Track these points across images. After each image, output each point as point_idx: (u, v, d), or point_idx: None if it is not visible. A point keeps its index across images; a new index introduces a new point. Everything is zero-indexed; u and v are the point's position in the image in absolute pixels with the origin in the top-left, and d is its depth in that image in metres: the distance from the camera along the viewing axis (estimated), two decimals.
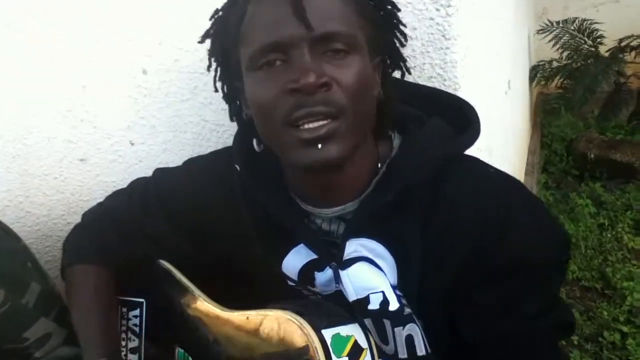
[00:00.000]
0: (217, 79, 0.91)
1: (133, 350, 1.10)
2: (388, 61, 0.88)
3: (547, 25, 3.33)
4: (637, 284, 2.52)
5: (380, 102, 0.85)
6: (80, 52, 1.29)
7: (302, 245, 0.91)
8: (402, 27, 0.87)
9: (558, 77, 3.29)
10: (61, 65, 1.31)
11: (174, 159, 1.33)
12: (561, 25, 3.28)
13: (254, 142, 0.92)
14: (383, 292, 0.85)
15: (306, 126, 0.75)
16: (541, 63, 3.43)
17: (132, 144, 1.35)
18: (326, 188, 0.87)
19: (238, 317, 0.91)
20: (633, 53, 3.14)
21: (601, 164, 3.73)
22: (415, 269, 0.85)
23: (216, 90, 0.92)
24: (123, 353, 1.10)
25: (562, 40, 3.28)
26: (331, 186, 0.86)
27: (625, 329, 2.31)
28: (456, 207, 0.83)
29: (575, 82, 3.08)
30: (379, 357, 0.84)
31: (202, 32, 0.91)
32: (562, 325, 0.87)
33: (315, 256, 0.90)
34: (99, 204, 1.16)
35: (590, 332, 2.34)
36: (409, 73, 0.89)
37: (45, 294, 1.15)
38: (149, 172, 1.19)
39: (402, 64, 0.88)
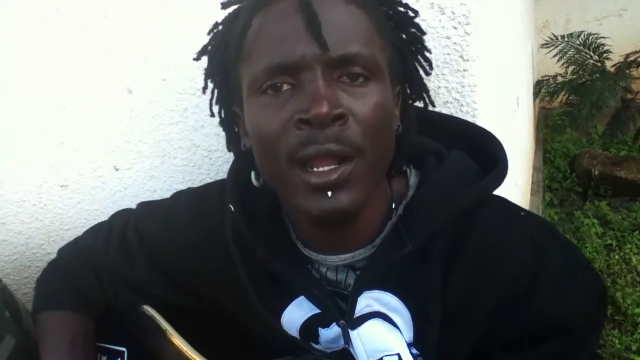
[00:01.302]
0: (213, 101, 0.79)
1: None
2: (408, 90, 0.76)
3: (551, 39, 3.24)
4: None
5: (398, 136, 0.73)
6: (60, 70, 1.18)
7: (296, 300, 0.79)
8: (427, 54, 0.75)
9: (563, 93, 3.19)
10: (40, 84, 1.20)
11: (162, 187, 1.22)
12: (566, 39, 3.18)
13: (252, 175, 0.80)
14: (399, 355, 0.74)
15: (315, 168, 0.63)
16: (545, 78, 3.33)
17: (117, 170, 1.24)
18: (333, 234, 0.75)
19: None
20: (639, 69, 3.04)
21: (605, 181, 3.64)
22: (434, 326, 0.74)
23: (212, 115, 0.81)
24: None
25: (567, 55, 3.18)
26: (339, 232, 0.75)
27: (638, 359, 2.20)
28: (483, 257, 0.72)
29: (582, 98, 2.97)
30: None
31: (192, 49, 0.79)
32: None
33: (313, 312, 0.79)
34: (76, 241, 1.04)
35: None
36: (433, 105, 0.77)
37: (20, 349, 1.02)
38: (134, 200, 1.09)
39: (425, 94, 0.77)
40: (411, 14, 0.74)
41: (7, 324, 1.02)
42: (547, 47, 3.27)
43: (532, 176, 3.12)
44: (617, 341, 2.30)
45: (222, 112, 0.80)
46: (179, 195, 0.97)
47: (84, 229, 1.10)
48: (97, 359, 1.01)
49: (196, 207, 0.91)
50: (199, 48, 0.78)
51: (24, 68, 1.20)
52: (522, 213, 0.77)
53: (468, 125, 0.85)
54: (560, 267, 0.72)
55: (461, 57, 0.92)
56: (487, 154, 0.78)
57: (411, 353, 0.75)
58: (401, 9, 0.74)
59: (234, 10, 0.73)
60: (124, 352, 0.98)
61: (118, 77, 1.16)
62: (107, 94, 1.18)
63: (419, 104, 0.78)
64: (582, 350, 0.73)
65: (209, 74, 0.78)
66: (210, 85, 0.79)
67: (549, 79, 3.34)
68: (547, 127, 4.19)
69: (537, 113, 4.18)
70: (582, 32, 3.22)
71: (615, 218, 3.25)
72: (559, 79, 3.29)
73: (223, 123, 0.81)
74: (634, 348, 2.25)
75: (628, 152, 3.99)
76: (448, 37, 0.92)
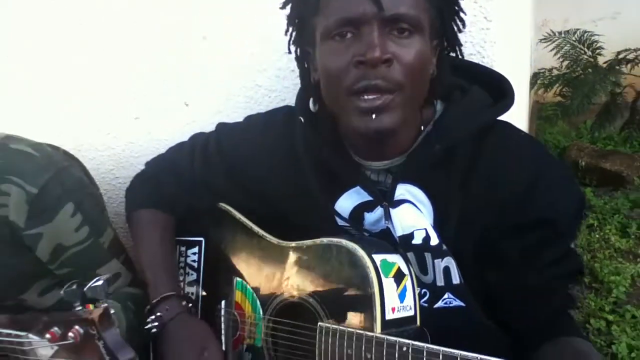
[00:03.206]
0: (291, 42, 1.03)
1: (191, 284, 1.22)
2: (445, 44, 1.00)
3: (549, 35, 3.50)
4: (622, 279, 2.69)
5: (432, 79, 0.97)
6: (137, 15, 1.42)
7: (354, 189, 1.04)
8: (462, 15, 0.99)
9: (557, 85, 3.46)
10: (120, 28, 1.44)
11: (226, 120, 1.45)
12: (563, 35, 3.45)
13: (311, 101, 1.05)
14: (425, 230, 0.98)
15: (365, 96, 0.88)
16: (542, 71, 3.59)
17: (187, 105, 1.48)
18: (377, 145, 1.00)
19: (295, 246, 1.04)
20: (629, 65, 3.31)
21: (591, 172, 3.91)
22: (453, 216, 0.99)
23: (289, 52, 1.04)
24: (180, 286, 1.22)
25: (563, 50, 3.44)
26: (381, 144, 0.99)
27: (610, 317, 2.47)
28: (494, 164, 0.97)
29: (574, 89, 3.24)
30: (417, 286, 0.98)
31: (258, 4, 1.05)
32: (573, 272, 1.01)
33: (365, 199, 1.03)
34: (161, 156, 1.29)
35: (578, 320, 2.49)
36: (462, 57, 1.02)
37: (117, 240, 1.27)
38: (201, 130, 1.31)
39: (457, 48, 1.01)
40: None
41: (107, 219, 1.27)
42: (545, 42, 3.53)
43: None
44: (593, 303, 2.57)
45: (298, 50, 1.04)
46: (252, 116, 1.22)
47: (152, 154, 1.34)
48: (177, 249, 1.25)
49: (269, 123, 1.16)
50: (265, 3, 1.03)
51: (108, 16, 1.44)
52: (521, 134, 1.02)
53: (486, 69, 1.10)
54: (553, 176, 0.97)
55: (485, 17, 1.17)
56: (498, 89, 1.02)
57: (435, 231, 0.99)
58: None
59: None
60: (201, 241, 1.22)
61: (194, 25, 1.40)
62: (182, 40, 1.42)
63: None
64: (562, 240, 0.99)
65: (290, 21, 1.02)
66: (290, 29, 1.02)
67: (545, 72, 3.60)
68: (540, 118, 4.46)
69: (531, 105, 4.44)
70: (578, 29, 3.48)
71: (598, 203, 3.52)
72: (554, 71, 3.56)
73: (297, 59, 1.05)
74: (607, 309, 2.53)
75: (614, 147, 4.27)
76: (475, 1, 1.17)
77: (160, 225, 1.21)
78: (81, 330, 0.81)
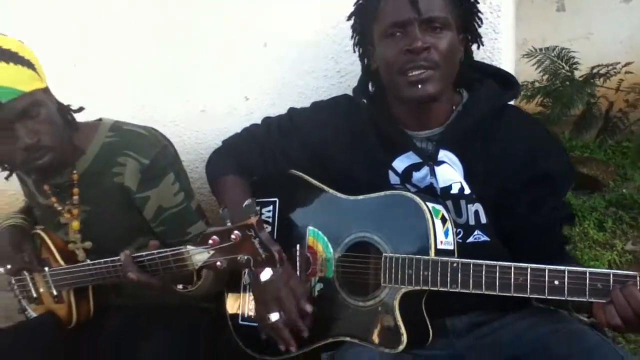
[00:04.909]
0: (355, 43, 1.40)
1: None
2: (469, 37, 1.35)
3: (531, 51, 3.88)
4: (600, 264, 3.05)
5: (461, 63, 1.33)
6: (210, 22, 1.74)
7: (406, 154, 1.36)
8: (480, 15, 1.36)
9: (539, 96, 3.83)
10: (192, 32, 1.76)
11: (280, 111, 1.74)
12: (543, 52, 3.83)
13: (370, 84, 1.42)
14: (460, 182, 1.32)
15: (412, 73, 1.23)
16: (525, 83, 3.97)
17: (247, 99, 1.79)
18: (420, 116, 1.34)
19: (362, 198, 1.35)
20: (602, 79, 3.71)
21: None
22: (478, 173, 1.32)
23: (355, 51, 1.41)
24: None
25: (543, 65, 3.82)
26: (424, 115, 1.34)
27: None
28: (507, 136, 1.33)
29: (554, 100, 3.62)
30: (455, 227, 1.30)
31: (309, 13, 1.52)
32: (568, 217, 1.36)
33: (414, 161, 1.36)
34: (237, 134, 1.59)
35: None
36: (483, 45, 1.38)
37: (200, 206, 1.57)
38: (258, 121, 1.62)
39: (478, 39, 1.37)
40: None
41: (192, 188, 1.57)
42: (527, 57, 3.92)
43: None
44: None
45: (360, 49, 1.39)
46: (317, 102, 1.55)
47: (214, 142, 1.64)
48: None
49: (333, 105, 1.50)
50: (318, 15, 1.48)
51: (185, 26, 1.75)
52: (526, 114, 1.38)
53: (496, 67, 1.47)
54: (549, 145, 1.33)
55: (494, 30, 1.52)
56: (507, 82, 1.39)
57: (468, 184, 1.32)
58: None
59: None
60: (275, 201, 1.51)
61: (257, 34, 1.72)
62: (245, 46, 1.74)
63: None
64: (558, 193, 1.33)
65: (354, 28, 1.39)
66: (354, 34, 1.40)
67: (527, 84, 3.98)
68: None
69: None
70: (556, 46, 3.87)
71: (577, 202, 3.89)
72: (536, 84, 3.94)
73: (360, 56, 1.41)
74: None
75: (590, 154, 4.69)
76: (487, 18, 1.51)
77: (241, 185, 1.50)
78: (240, 233, 1.08)
